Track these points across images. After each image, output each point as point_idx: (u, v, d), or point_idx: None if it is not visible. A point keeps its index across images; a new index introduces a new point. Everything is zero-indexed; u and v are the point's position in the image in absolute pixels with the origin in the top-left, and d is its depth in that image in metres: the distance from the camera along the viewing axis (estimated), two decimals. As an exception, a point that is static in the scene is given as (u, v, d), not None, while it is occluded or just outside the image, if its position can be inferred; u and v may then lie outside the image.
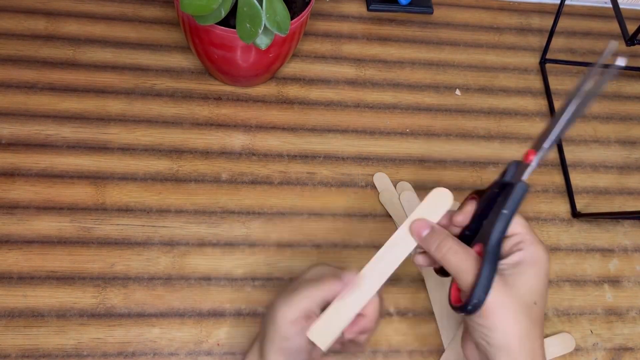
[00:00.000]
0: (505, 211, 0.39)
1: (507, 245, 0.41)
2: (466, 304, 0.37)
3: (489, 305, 0.37)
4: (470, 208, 0.42)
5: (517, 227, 0.41)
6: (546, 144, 0.39)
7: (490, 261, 0.38)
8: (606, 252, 0.60)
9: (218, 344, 0.50)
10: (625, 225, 0.62)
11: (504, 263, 0.40)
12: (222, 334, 0.50)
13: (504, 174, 0.41)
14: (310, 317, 0.40)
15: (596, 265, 0.59)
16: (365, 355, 0.51)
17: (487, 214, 0.41)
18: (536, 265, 0.39)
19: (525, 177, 0.39)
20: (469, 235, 0.42)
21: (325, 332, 0.40)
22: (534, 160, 0.39)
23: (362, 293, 0.41)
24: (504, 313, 0.38)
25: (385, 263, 0.42)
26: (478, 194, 0.43)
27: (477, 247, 0.40)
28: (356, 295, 0.41)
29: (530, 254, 0.40)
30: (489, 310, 0.37)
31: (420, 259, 0.44)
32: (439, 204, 0.43)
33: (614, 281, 0.59)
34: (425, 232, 0.41)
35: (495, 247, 0.38)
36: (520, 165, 0.40)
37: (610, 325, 0.57)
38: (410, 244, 0.42)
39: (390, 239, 0.43)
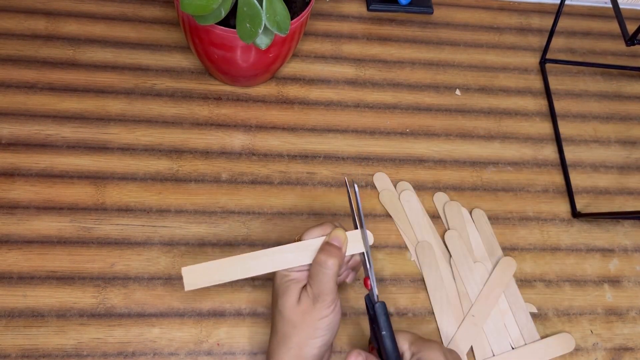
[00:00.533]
0: (383, 332, 0.43)
1: None
2: None
3: None
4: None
5: (405, 344, 0.44)
6: (370, 268, 0.45)
7: None
8: (606, 252, 0.60)
9: (218, 344, 0.50)
10: (625, 225, 0.62)
11: None
12: (222, 334, 0.50)
13: (367, 311, 0.45)
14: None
15: (596, 265, 0.59)
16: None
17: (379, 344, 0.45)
18: None
19: (376, 298, 0.44)
20: None
21: (199, 278, 0.43)
22: (371, 284, 0.44)
23: (259, 265, 0.44)
24: None
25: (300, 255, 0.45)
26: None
27: None
28: (250, 265, 0.44)
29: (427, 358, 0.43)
30: None
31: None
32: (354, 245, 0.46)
33: (614, 281, 0.59)
34: None
35: None
36: (370, 294, 0.45)
37: (610, 325, 0.57)
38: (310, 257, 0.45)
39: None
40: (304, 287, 0.44)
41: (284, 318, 0.43)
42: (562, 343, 0.54)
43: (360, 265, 0.48)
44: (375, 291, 0.44)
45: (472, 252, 0.57)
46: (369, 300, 0.45)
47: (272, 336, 0.45)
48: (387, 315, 0.44)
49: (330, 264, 0.43)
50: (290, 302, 0.43)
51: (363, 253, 0.46)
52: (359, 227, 0.46)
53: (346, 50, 0.67)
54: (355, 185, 0.47)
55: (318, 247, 0.45)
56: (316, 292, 0.43)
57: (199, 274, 0.44)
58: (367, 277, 0.45)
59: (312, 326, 0.43)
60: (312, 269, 0.44)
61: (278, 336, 0.44)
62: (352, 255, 0.47)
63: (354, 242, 0.46)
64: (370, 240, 0.46)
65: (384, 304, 0.44)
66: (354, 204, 0.47)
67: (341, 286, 0.54)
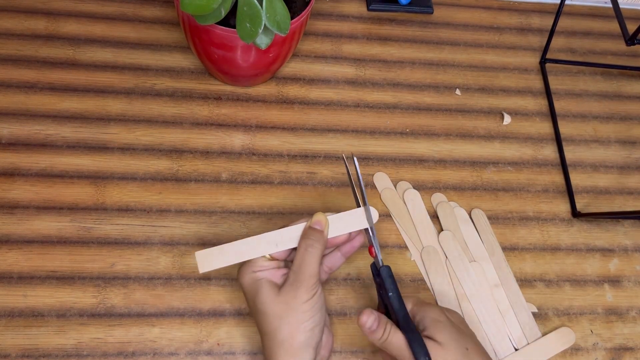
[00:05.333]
0: (390, 293, 0.45)
1: (416, 323, 0.46)
2: None
3: None
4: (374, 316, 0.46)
5: (408, 305, 0.46)
6: (373, 237, 0.47)
7: (411, 331, 0.43)
8: (606, 252, 0.60)
9: (218, 344, 0.50)
10: (625, 225, 0.62)
11: (424, 336, 0.44)
12: (222, 334, 0.50)
13: (374, 277, 0.47)
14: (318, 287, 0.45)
15: (596, 265, 0.59)
16: (365, 355, 0.51)
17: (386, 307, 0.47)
18: (440, 322, 0.44)
19: (380, 263, 0.46)
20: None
21: (212, 260, 0.45)
22: (376, 251, 0.46)
23: (271, 245, 0.46)
24: None
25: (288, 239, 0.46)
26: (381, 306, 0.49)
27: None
28: (262, 247, 0.45)
29: (429, 318, 0.45)
30: None
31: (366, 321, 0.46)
32: (358, 222, 0.48)
33: (614, 281, 0.59)
34: (375, 326, 0.44)
35: (405, 320, 0.44)
36: (375, 261, 0.47)
37: (610, 325, 0.57)
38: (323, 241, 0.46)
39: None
40: (279, 281, 0.45)
41: (267, 314, 0.43)
42: (563, 337, 0.54)
43: (352, 253, 0.49)
44: (380, 257, 0.46)
45: (467, 252, 0.57)
46: (375, 267, 0.46)
47: (262, 340, 0.45)
48: (393, 277, 0.45)
49: (313, 247, 0.44)
50: (270, 297, 0.44)
51: (367, 228, 0.47)
52: (360, 202, 0.47)
53: (346, 50, 0.67)
54: (355, 159, 0.48)
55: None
56: (300, 277, 0.44)
57: (212, 257, 0.45)
58: (371, 246, 0.47)
59: (298, 310, 0.43)
60: (296, 254, 0.45)
61: (267, 335, 0.44)
62: (345, 241, 0.48)
63: (357, 219, 0.47)
64: (375, 217, 0.47)
65: (388, 267, 0.46)
66: (354, 179, 0.48)
67: (341, 285, 0.54)
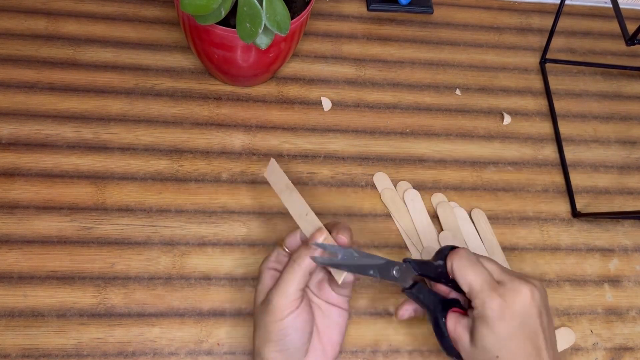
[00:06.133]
0: (439, 262, 0.46)
1: (468, 297, 0.43)
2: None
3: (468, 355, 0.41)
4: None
5: (469, 277, 0.43)
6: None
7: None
8: (606, 252, 0.60)
9: (218, 344, 0.50)
10: (625, 225, 0.62)
11: (472, 317, 0.42)
12: (222, 334, 0.50)
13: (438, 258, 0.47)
14: (303, 294, 0.42)
15: (596, 265, 0.59)
16: (365, 355, 0.51)
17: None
18: (487, 322, 0.41)
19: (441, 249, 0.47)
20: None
21: (276, 176, 0.47)
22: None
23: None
24: None
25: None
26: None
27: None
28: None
29: (480, 311, 0.41)
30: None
31: (404, 312, 0.46)
32: None
33: (614, 281, 0.59)
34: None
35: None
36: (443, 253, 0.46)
37: (610, 325, 0.57)
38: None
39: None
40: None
41: (253, 319, 0.44)
42: (563, 337, 0.54)
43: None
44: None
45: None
46: (439, 255, 0.47)
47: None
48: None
49: (296, 264, 0.41)
50: (256, 304, 0.43)
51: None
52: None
53: (346, 50, 0.67)
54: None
55: None
56: (275, 293, 0.41)
57: (277, 173, 0.47)
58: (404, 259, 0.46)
59: (267, 330, 0.41)
60: (283, 269, 0.42)
61: (254, 340, 0.44)
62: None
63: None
64: (340, 279, 0.42)
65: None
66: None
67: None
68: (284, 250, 0.46)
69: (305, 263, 0.41)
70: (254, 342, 0.43)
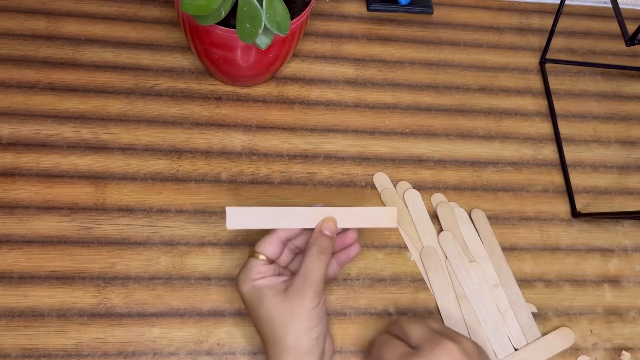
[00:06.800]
0: None
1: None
2: None
3: None
4: None
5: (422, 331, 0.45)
6: None
7: None
8: (606, 252, 0.60)
9: (218, 344, 0.50)
10: (625, 225, 0.62)
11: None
12: (222, 334, 0.50)
13: None
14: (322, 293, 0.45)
15: (596, 265, 0.59)
16: (365, 354, 0.51)
17: None
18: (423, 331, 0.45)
19: None
20: None
21: (242, 219, 0.45)
22: None
23: (301, 219, 0.46)
24: None
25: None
26: None
27: None
28: (289, 219, 0.46)
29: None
30: None
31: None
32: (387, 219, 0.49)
33: (614, 281, 0.59)
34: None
35: None
36: None
37: (610, 325, 0.57)
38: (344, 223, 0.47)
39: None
40: (281, 288, 0.44)
41: (274, 321, 0.43)
42: (562, 338, 0.54)
43: (347, 262, 0.49)
44: None
45: (467, 252, 0.57)
46: None
47: (266, 347, 0.44)
48: None
49: (323, 253, 0.45)
50: (274, 304, 0.43)
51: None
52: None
53: (346, 50, 0.67)
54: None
55: (347, 215, 0.47)
56: (307, 283, 0.43)
57: (243, 216, 0.45)
58: None
59: (304, 318, 0.42)
60: (304, 259, 0.44)
61: (273, 343, 0.43)
62: (343, 248, 0.48)
63: (385, 218, 0.48)
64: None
65: None
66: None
67: (341, 285, 0.54)
68: (259, 258, 0.46)
69: (329, 251, 0.45)
70: (281, 339, 0.43)
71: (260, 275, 0.45)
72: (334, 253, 0.48)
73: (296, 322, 0.42)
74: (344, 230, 0.48)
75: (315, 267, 0.44)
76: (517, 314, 0.55)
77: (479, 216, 0.59)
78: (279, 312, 0.43)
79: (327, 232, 0.45)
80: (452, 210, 0.59)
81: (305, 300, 0.43)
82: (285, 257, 0.48)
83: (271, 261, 0.46)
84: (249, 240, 0.54)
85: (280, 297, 0.43)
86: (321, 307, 0.43)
